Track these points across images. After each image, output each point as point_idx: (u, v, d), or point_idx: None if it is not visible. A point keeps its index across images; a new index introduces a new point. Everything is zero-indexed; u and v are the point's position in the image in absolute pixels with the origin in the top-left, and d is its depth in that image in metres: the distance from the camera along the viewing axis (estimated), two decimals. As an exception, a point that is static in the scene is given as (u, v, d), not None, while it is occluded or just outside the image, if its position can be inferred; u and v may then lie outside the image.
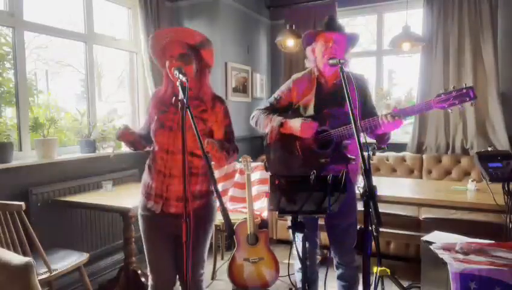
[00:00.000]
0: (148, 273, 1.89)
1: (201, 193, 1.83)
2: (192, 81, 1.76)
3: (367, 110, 2.07)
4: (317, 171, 1.90)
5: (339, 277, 2.21)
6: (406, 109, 1.88)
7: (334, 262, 2.20)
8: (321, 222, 2.21)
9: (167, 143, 1.76)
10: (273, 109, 2.18)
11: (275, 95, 2.22)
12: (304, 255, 1.74)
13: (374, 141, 2.06)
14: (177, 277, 1.90)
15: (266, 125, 2.11)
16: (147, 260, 1.87)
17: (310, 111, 2.06)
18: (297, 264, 2.21)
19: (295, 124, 2.00)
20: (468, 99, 1.78)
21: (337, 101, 1.97)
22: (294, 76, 2.19)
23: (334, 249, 2.18)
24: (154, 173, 1.80)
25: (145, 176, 1.86)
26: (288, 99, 2.16)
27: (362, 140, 1.44)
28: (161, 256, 1.84)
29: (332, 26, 1.99)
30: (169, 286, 1.88)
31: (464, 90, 1.78)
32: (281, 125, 2.05)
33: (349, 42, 2.06)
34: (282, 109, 2.17)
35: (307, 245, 2.13)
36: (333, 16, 2.07)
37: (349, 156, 1.98)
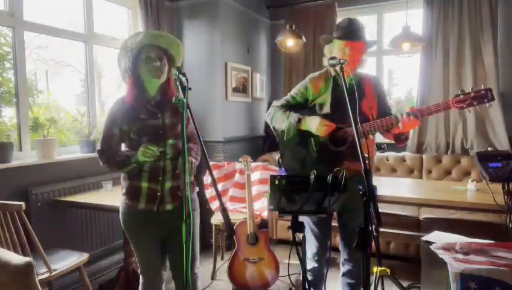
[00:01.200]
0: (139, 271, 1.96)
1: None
2: (167, 84, 1.87)
3: (384, 110, 2.09)
4: (332, 168, 1.90)
5: (346, 274, 2.22)
6: (423, 109, 1.89)
7: (341, 259, 2.23)
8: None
9: (161, 146, 1.80)
10: (289, 106, 2.20)
11: (292, 93, 2.24)
12: (304, 255, 1.74)
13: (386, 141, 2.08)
14: (172, 275, 1.97)
15: (282, 121, 2.13)
16: (138, 259, 1.93)
17: (326, 109, 2.07)
18: (308, 265, 2.20)
19: (313, 123, 2.02)
20: (486, 100, 1.79)
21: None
22: (310, 75, 2.21)
23: (343, 245, 2.21)
24: (144, 175, 1.83)
25: (131, 181, 1.86)
26: (304, 97, 2.18)
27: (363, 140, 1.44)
28: (153, 255, 1.91)
29: (349, 35, 1.97)
30: (159, 283, 1.97)
31: (483, 92, 1.79)
32: (299, 121, 2.06)
33: (366, 47, 2.06)
34: (298, 106, 2.19)
35: (318, 247, 2.15)
36: (352, 22, 2.02)
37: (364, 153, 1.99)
